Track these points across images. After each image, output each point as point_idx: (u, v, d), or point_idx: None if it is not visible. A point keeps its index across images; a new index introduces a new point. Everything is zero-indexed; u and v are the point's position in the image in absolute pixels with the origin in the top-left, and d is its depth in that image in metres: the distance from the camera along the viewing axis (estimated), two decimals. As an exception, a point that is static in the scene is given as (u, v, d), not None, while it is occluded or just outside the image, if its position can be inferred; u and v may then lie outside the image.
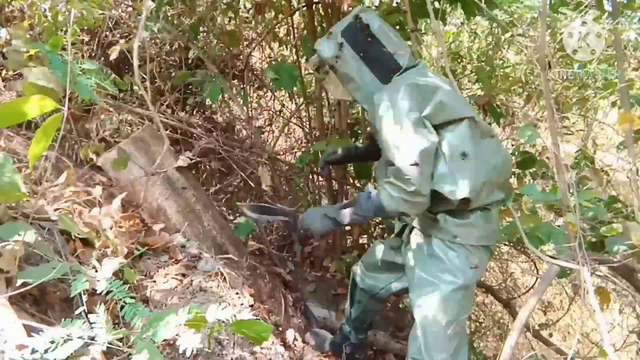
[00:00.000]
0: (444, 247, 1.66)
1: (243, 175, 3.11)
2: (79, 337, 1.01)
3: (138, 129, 2.69)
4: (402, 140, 1.50)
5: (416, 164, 1.46)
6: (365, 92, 1.64)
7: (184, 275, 1.68)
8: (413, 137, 1.49)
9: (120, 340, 1.11)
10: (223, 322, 1.10)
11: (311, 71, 3.33)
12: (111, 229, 1.68)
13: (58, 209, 1.63)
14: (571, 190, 1.59)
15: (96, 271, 1.33)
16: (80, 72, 1.40)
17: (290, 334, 2.11)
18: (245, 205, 1.97)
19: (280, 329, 2.11)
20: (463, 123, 1.56)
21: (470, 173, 1.55)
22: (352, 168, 3.02)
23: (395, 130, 1.51)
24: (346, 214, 1.67)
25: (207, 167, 3.30)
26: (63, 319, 1.06)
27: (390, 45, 1.63)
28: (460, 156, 1.55)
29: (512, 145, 3.09)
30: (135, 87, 3.07)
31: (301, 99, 3.28)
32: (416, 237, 1.76)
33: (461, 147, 1.55)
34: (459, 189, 1.54)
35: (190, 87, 3.42)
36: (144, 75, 2.91)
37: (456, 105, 1.57)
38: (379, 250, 2.01)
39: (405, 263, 1.80)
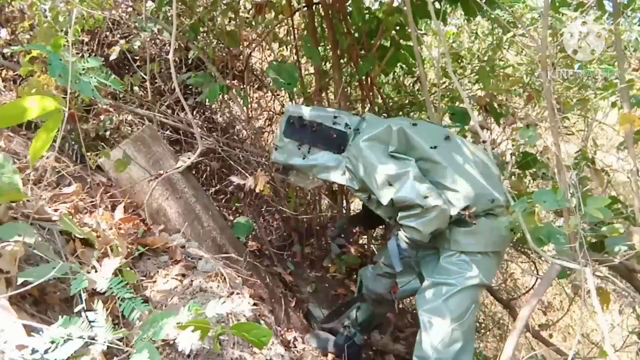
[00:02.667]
0: (452, 257, 1.71)
1: (244, 174, 3.10)
2: (79, 337, 1.01)
3: (138, 129, 2.69)
4: (386, 176, 1.64)
5: (410, 186, 1.61)
6: (330, 168, 1.84)
7: (184, 275, 1.67)
8: (390, 167, 1.65)
9: (120, 340, 1.11)
10: (225, 324, 1.10)
11: (312, 71, 3.34)
12: (111, 229, 1.68)
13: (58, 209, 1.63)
14: (572, 191, 1.59)
15: (96, 271, 1.33)
16: (82, 72, 1.40)
17: (290, 335, 2.11)
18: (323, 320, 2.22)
19: (281, 329, 2.11)
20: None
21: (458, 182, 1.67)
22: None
23: (376, 173, 1.67)
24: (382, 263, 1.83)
25: (207, 167, 3.30)
26: (62, 317, 1.06)
27: (327, 120, 1.85)
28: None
29: (513, 145, 3.09)
30: (135, 87, 3.07)
31: (301, 99, 3.28)
32: (427, 250, 1.80)
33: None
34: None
35: (190, 87, 3.42)
36: (144, 76, 2.91)
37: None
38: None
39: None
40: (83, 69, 1.42)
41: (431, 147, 1.72)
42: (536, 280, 3.37)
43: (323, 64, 3.00)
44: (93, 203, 1.86)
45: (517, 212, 1.53)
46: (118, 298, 1.20)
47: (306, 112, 1.87)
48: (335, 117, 1.86)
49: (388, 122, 1.79)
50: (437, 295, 1.70)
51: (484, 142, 1.86)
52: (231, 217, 3.19)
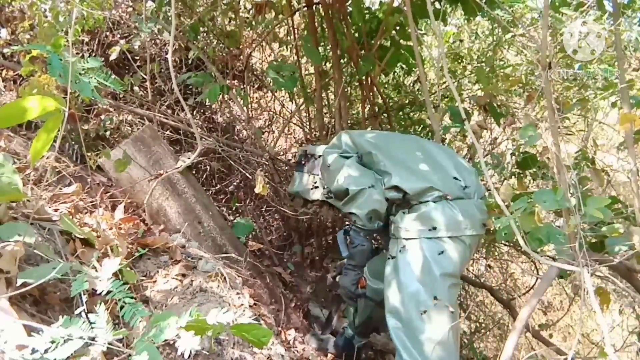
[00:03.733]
0: (405, 246, 1.72)
1: (244, 174, 3.11)
2: (80, 337, 1.01)
3: (138, 129, 2.69)
4: (328, 170, 1.89)
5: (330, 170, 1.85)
6: (318, 188, 2.09)
7: (184, 275, 1.67)
8: (331, 163, 1.87)
9: (120, 340, 1.11)
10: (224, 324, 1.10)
11: (312, 71, 3.34)
12: (111, 229, 1.68)
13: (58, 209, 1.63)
14: (572, 191, 1.59)
15: (96, 271, 1.33)
16: (82, 72, 1.40)
17: (290, 334, 2.11)
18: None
19: (281, 329, 2.11)
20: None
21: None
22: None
23: (326, 172, 1.91)
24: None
25: (207, 167, 3.30)
26: (62, 317, 1.06)
27: (317, 151, 2.12)
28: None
29: (513, 145, 3.08)
30: (135, 87, 3.07)
31: (301, 100, 3.28)
32: (391, 243, 1.82)
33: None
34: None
35: (190, 87, 3.42)
36: (144, 76, 2.91)
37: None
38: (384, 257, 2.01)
39: None
40: (83, 69, 1.42)
41: (367, 141, 1.89)
42: (536, 280, 3.37)
43: (323, 64, 3.00)
44: (93, 203, 1.86)
45: (515, 214, 1.53)
46: (119, 300, 1.20)
47: (312, 149, 2.16)
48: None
49: (337, 134, 2.03)
50: (394, 296, 1.69)
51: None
52: (231, 217, 3.19)
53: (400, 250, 1.74)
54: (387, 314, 1.73)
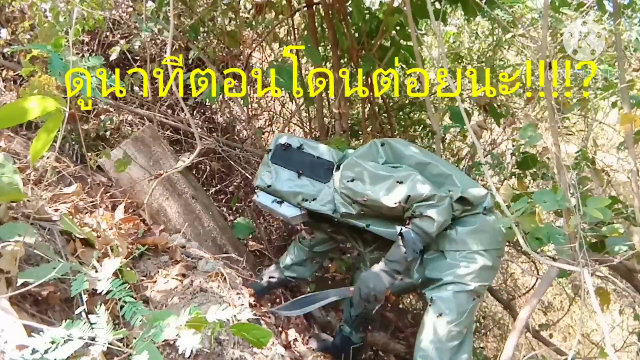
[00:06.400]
0: (459, 256, 1.75)
1: (244, 174, 3.11)
2: (80, 338, 1.01)
3: (138, 129, 2.69)
4: (394, 178, 1.70)
5: (418, 184, 1.67)
6: (314, 197, 1.83)
7: (184, 275, 1.67)
8: (394, 172, 1.72)
9: (121, 340, 1.11)
10: (224, 322, 1.10)
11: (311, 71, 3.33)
12: (111, 229, 1.68)
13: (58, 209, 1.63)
14: (572, 191, 1.59)
15: (96, 271, 1.33)
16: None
17: (290, 335, 2.11)
18: (284, 306, 2.04)
19: (281, 329, 2.11)
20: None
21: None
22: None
23: (381, 180, 1.71)
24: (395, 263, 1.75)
25: (207, 167, 3.30)
26: (64, 319, 1.06)
27: (316, 151, 1.88)
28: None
29: (513, 145, 3.09)
30: (135, 87, 3.07)
31: (301, 100, 3.28)
32: (432, 253, 1.84)
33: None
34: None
35: (190, 87, 3.42)
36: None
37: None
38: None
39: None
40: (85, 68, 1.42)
41: (415, 152, 1.83)
42: (536, 280, 3.37)
43: (323, 64, 3.00)
44: (93, 203, 1.86)
45: (516, 214, 1.53)
46: (119, 299, 1.20)
47: (294, 140, 1.91)
48: (319, 148, 1.91)
49: (369, 143, 1.89)
50: (445, 293, 1.74)
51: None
52: (231, 217, 3.19)
53: (452, 258, 1.76)
54: (431, 307, 1.76)
